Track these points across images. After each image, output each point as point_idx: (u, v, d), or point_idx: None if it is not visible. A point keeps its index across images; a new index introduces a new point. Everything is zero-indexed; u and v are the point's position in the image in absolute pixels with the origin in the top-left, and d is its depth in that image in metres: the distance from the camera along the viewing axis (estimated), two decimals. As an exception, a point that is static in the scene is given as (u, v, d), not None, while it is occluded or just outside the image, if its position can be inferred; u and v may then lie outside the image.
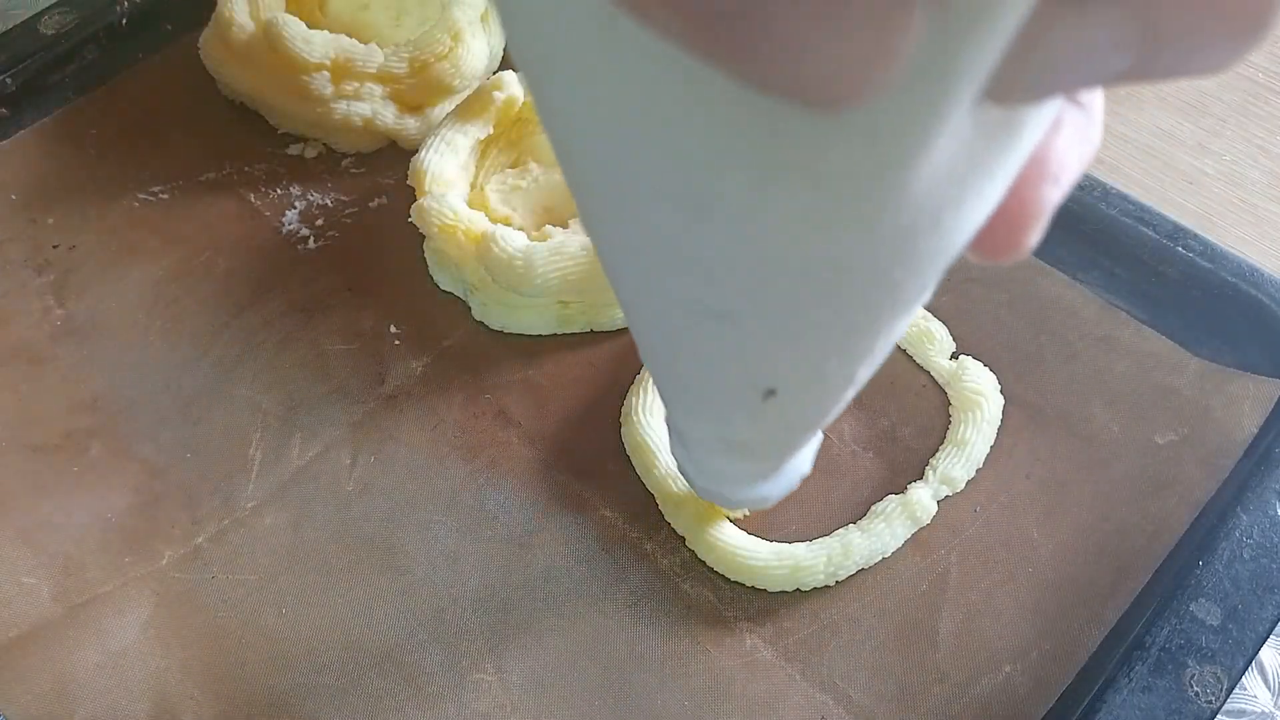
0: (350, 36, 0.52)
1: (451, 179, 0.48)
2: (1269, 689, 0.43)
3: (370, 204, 0.53)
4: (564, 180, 0.22)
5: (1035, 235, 0.20)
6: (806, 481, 0.36)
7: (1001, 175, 0.18)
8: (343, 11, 0.58)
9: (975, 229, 0.19)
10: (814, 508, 0.43)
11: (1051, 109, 0.19)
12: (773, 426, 0.27)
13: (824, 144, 0.16)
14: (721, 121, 0.16)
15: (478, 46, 0.54)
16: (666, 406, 0.30)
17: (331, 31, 0.52)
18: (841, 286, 0.19)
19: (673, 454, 0.35)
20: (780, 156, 0.16)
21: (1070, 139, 0.20)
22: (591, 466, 0.45)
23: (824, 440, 0.45)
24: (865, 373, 0.24)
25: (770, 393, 0.23)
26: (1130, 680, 0.37)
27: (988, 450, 0.43)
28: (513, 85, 0.49)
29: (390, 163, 0.54)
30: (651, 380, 0.45)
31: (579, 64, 0.17)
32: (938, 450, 0.44)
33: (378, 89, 0.53)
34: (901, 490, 0.42)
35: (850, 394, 0.25)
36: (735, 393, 0.24)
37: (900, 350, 0.46)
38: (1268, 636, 0.38)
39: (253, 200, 0.53)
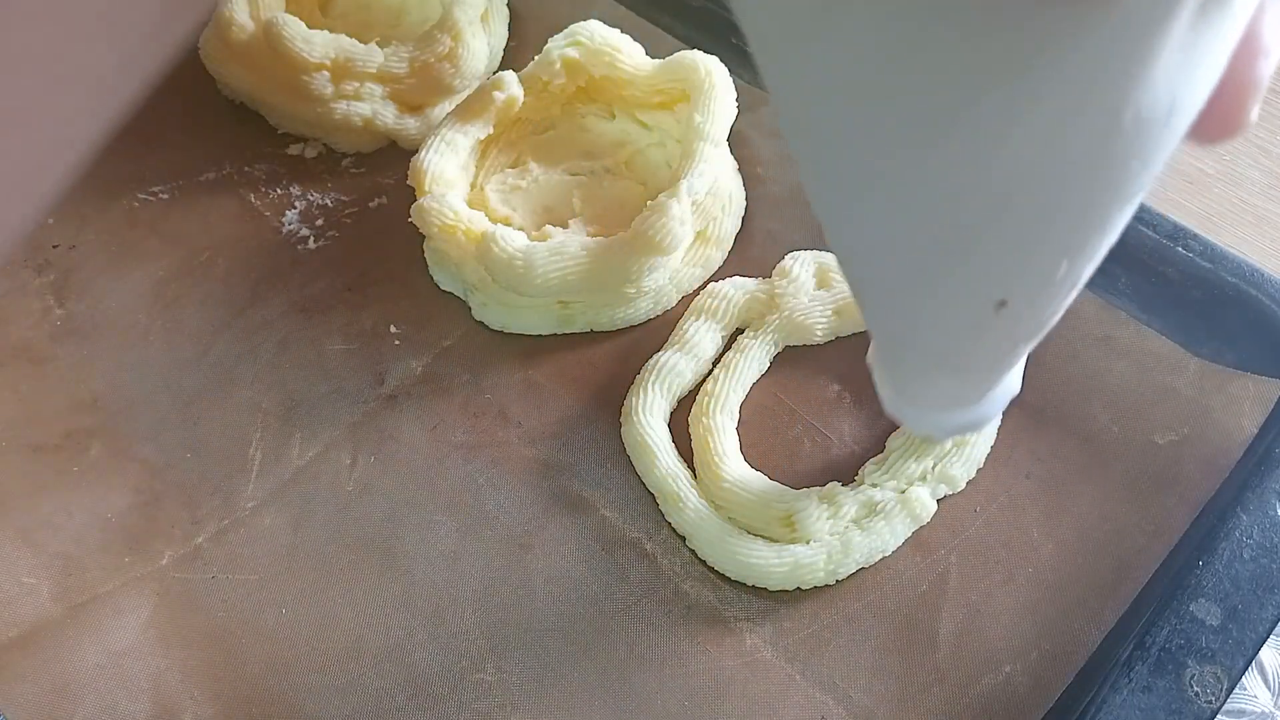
0: (350, 36, 0.52)
1: (451, 179, 0.48)
2: (1269, 689, 0.43)
3: (370, 204, 0.53)
4: (788, 140, 0.24)
5: (1255, 109, 0.22)
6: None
7: (1221, 53, 0.20)
8: (343, 11, 0.58)
9: (1197, 111, 0.21)
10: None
11: None
12: (999, 340, 0.28)
13: (1079, 43, 0.17)
14: (977, 35, 0.17)
15: (478, 46, 0.54)
16: (880, 346, 0.32)
17: (332, 31, 0.52)
18: (1082, 185, 0.21)
19: (880, 394, 0.36)
20: (1036, 62, 0.17)
21: (1276, 14, 0.21)
22: (591, 466, 0.45)
23: (826, 442, 0.45)
24: (1089, 272, 0.25)
25: (1002, 304, 0.24)
26: (1130, 680, 0.37)
27: (988, 450, 0.43)
28: (512, 85, 0.50)
29: (390, 163, 0.54)
30: (651, 375, 0.45)
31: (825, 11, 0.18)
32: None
33: (378, 89, 0.53)
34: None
35: (1072, 298, 0.26)
36: (968, 310, 0.25)
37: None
38: (1268, 636, 0.38)
39: (253, 200, 0.53)
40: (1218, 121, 0.21)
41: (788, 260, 0.48)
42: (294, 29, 0.51)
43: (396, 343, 0.48)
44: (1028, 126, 0.19)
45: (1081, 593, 0.40)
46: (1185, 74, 0.19)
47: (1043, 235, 0.22)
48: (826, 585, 0.41)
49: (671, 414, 0.45)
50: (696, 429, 0.44)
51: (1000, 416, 0.44)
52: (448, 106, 0.54)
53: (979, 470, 0.43)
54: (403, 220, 0.48)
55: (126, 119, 0.17)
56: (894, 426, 0.45)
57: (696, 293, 0.49)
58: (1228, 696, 0.36)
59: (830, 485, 0.42)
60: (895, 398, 0.35)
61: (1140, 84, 0.18)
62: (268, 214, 0.53)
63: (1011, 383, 0.34)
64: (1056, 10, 0.17)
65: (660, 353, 0.46)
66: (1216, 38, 0.19)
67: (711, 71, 0.48)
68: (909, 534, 0.42)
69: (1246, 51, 0.21)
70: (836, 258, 0.28)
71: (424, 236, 0.49)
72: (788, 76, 0.21)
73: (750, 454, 0.44)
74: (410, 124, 0.54)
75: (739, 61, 0.55)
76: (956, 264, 0.24)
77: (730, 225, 0.50)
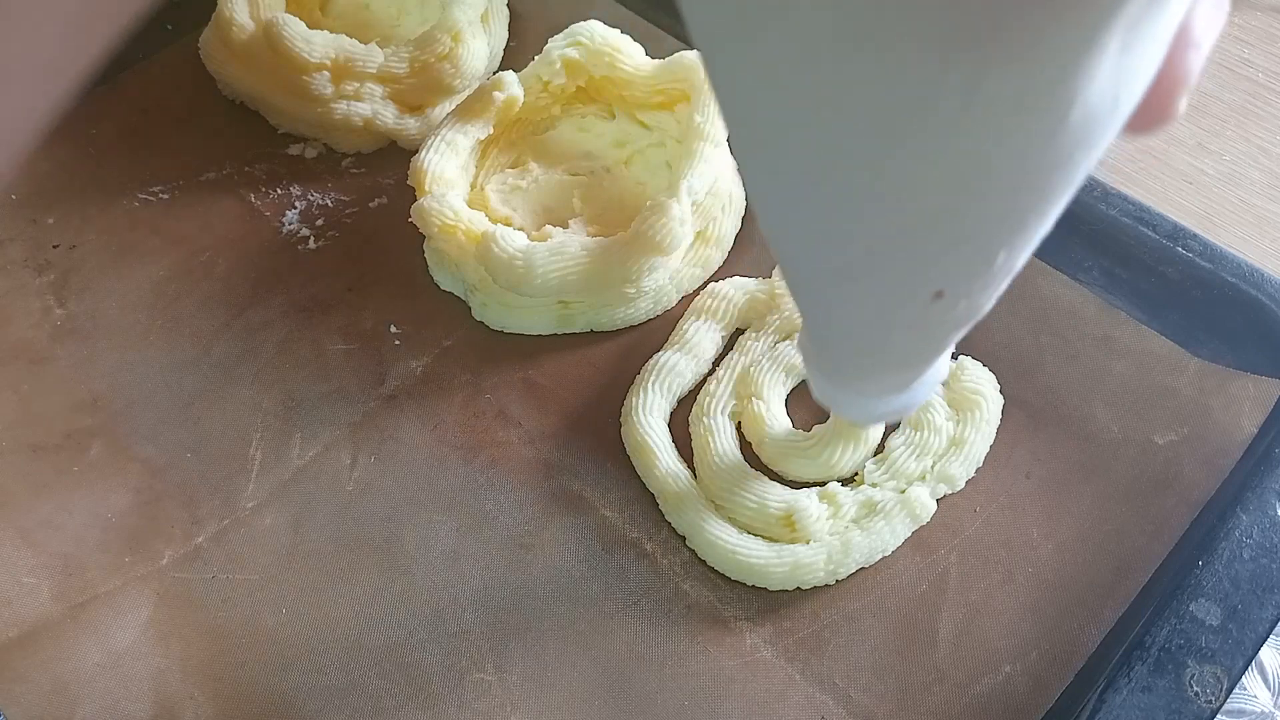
0: (350, 36, 0.52)
1: (451, 179, 0.48)
2: (1269, 689, 0.43)
3: (370, 204, 0.53)
4: (732, 144, 0.24)
5: (1185, 100, 0.22)
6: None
7: (1159, 47, 0.20)
8: (343, 11, 0.58)
9: (1137, 102, 0.21)
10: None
11: None
12: (933, 329, 0.28)
13: (1039, 32, 0.17)
14: (940, 21, 0.17)
15: (478, 46, 0.54)
16: (813, 333, 0.32)
17: (332, 31, 0.52)
18: (1028, 180, 0.21)
19: (809, 380, 0.36)
20: (997, 49, 0.18)
21: (1206, 7, 0.22)
22: (591, 466, 0.45)
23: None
24: (1024, 260, 0.25)
25: (939, 295, 0.24)
26: (1130, 680, 0.37)
27: (987, 450, 0.43)
28: (513, 85, 0.50)
29: (390, 163, 0.54)
30: (651, 375, 0.45)
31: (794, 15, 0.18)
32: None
33: (378, 89, 0.53)
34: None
35: (1005, 286, 0.26)
36: (905, 302, 0.25)
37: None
38: (1267, 636, 0.38)
39: (253, 200, 0.53)
40: (1151, 112, 0.22)
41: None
42: (294, 29, 0.51)
43: (396, 343, 0.48)
44: (979, 128, 0.19)
45: (1081, 593, 0.40)
46: (1128, 69, 0.20)
47: (985, 228, 0.23)
48: (826, 585, 0.41)
49: (671, 414, 0.45)
50: (696, 429, 0.44)
51: (999, 417, 0.44)
52: (448, 106, 0.54)
53: (979, 470, 0.43)
54: (403, 220, 0.48)
55: (95, 74, 0.17)
56: (894, 426, 0.45)
57: (696, 293, 0.49)
58: (1228, 696, 0.36)
59: (830, 485, 0.42)
60: (825, 384, 0.35)
61: (1088, 82, 0.19)
62: (268, 214, 0.53)
63: (940, 369, 0.34)
64: (1009, 18, 0.17)
65: (660, 353, 0.46)
66: (1155, 32, 0.20)
67: (711, 71, 0.48)
68: (909, 534, 0.42)
69: (1179, 45, 0.21)
70: (771, 245, 0.28)
71: (424, 236, 0.49)
72: (732, 69, 0.21)
73: (750, 454, 0.44)
74: (410, 124, 0.54)
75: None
76: (895, 259, 0.24)
77: (730, 225, 0.50)
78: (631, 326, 0.48)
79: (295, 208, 0.53)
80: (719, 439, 0.43)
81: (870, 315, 0.27)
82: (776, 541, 0.41)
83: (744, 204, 0.51)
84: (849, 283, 0.26)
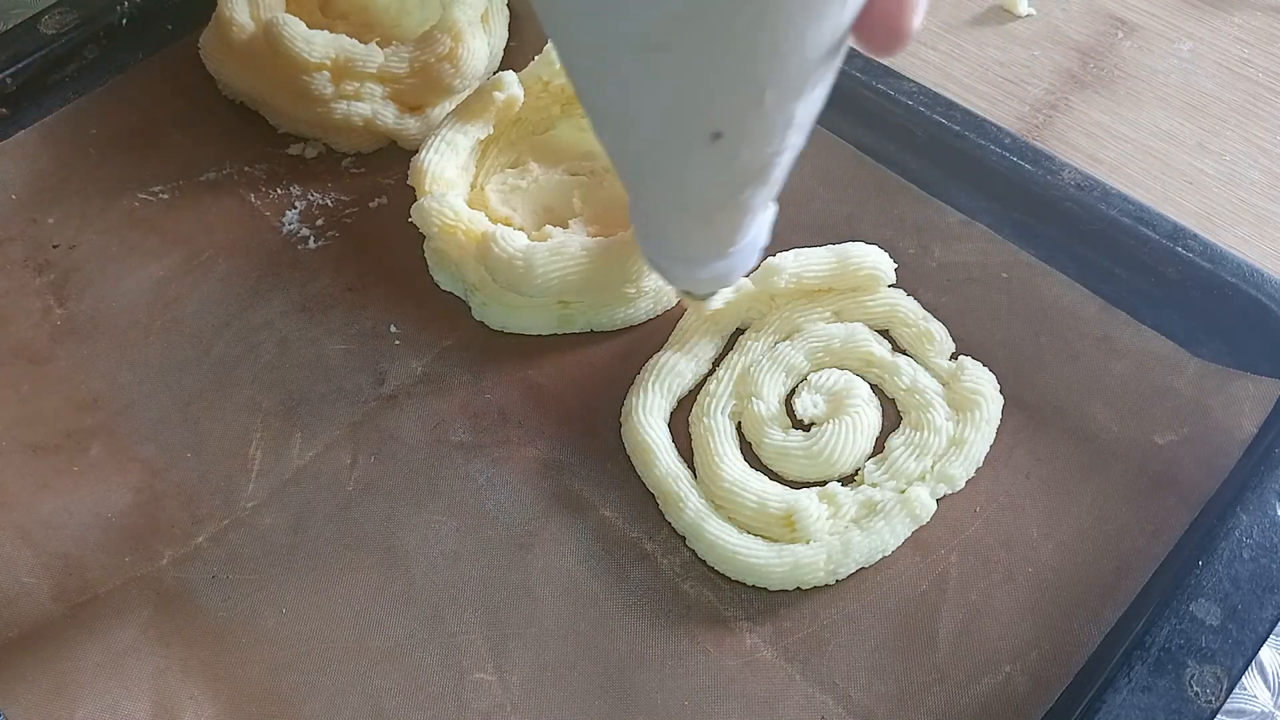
0: (350, 36, 0.52)
1: (452, 179, 0.48)
2: (1269, 689, 0.43)
3: (370, 204, 0.53)
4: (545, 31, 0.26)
5: (918, 20, 0.23)
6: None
7: None
8: (343, 11, 0.58)
9: None
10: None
11: None
12: (723, 176, 0.29)
13: None
14: None
15: (478, 46, 0.54)
16: (630, 194, 0.34)
17: (332, 31, 0.52)
18: (769, 10, 0.22)
19: (641, 248, 0.39)
20: None
21: None
22: (591, 466, 0.45)
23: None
24: (803, 113, 0.26)
25: (717, 135, 0.26)
26: (1130, 680, 0.37)
27: (987, 450, 0.43)
28: (513, 85, 0.50)
29: (390, 163, 0.54)
30: (650, 375, 0.45)
31: None
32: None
33: (378, 89, 0.53)
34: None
35: (793, 141, 0.27)
36: (684, 140, 0.27)
37: (901, 351, 0.46)
38: (1267, 636, 0.38)
39: (253, 200, 0.53)
40: (885, 31, 0.23)
41: (787, 260, 0.48)
42: (294, 29, 0.51)
43: (396, 343, 0.48)
44: None
45: (1081, 593, 0.40)
46: None
47: (734, 58, 0.24)
48: (826, 585, 0.41)
49: (671, 414, 0.45)
50: (696, 429, 0.44)
51: (999, 417, 0.44)
52: (448, 106, 0.54)
53: (979, 470, 0.43)
54: (403, 220, 0.48)
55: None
56: (894, 426, 0.45)
57: (696, 293, 0.49)
58: (1228, 696, 0.36)
59: (830, 485, 0.42)
60: (650, 248, 0.38)
61: None
62: (268, 214, 0.53)
63: (758, 235, 0.35)
64: None
65: (660, 353, 0.46)
66: None
67: (711, 71, 0.48)
68: (909, 534, 0.42)
69: None
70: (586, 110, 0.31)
71: (424, 236, 0.49)
72: None
73: (750, 454, 0.44)
74: (410, 124, 0.54)
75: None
76: (656, 81, 0.25)
77: (730, 225, 0.50)
78: (631, 326, 0.48)
79: (295, 208, 0.53)
80: (719, 439, 0.43)
81: (659, 158, 0.29)
82: (776, 541, 0.41)
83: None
84: (636, 123, 0.27)
